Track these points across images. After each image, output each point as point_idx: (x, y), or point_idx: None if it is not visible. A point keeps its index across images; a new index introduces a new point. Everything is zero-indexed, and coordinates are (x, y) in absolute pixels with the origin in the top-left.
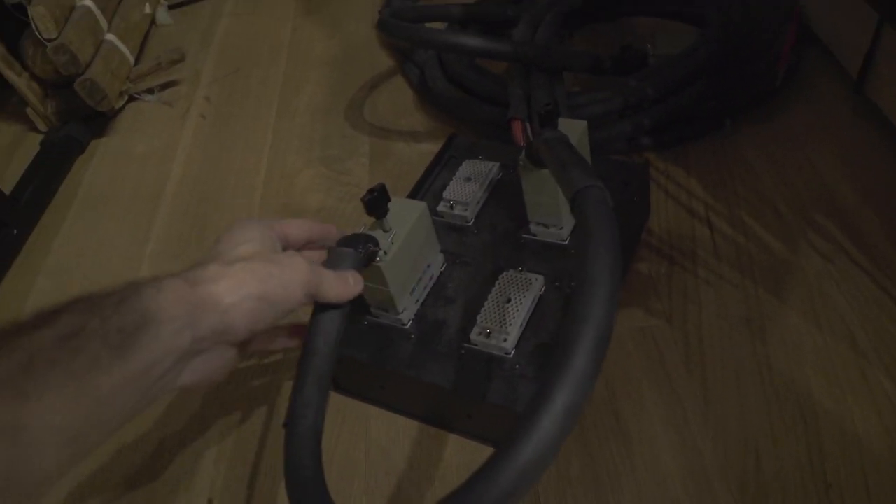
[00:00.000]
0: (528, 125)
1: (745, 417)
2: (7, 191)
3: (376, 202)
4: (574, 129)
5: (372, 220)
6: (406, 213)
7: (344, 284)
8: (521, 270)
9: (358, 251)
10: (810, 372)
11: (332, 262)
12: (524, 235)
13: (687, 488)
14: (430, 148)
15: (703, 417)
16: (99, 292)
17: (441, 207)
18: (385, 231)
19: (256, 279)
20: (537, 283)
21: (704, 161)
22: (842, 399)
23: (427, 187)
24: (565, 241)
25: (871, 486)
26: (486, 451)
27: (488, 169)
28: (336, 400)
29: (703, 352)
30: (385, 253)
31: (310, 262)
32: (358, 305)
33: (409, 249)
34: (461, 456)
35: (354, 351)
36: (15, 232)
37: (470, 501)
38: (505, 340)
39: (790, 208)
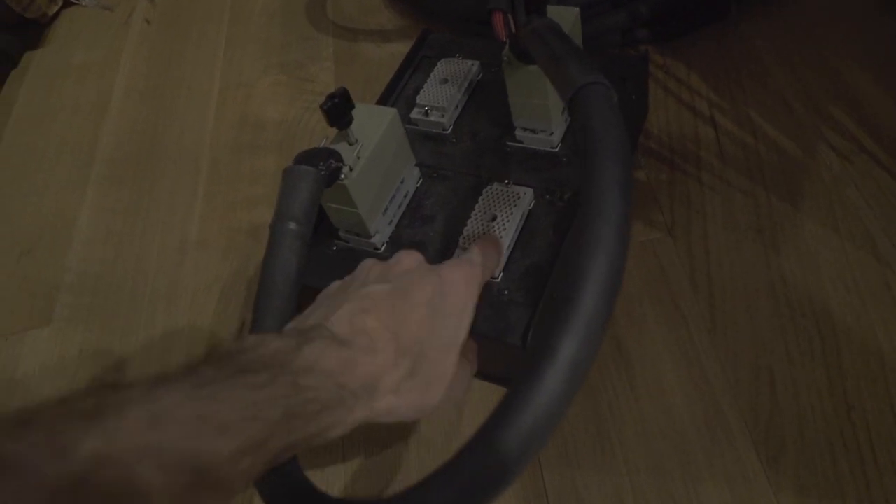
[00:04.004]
0: (510, 16)
1: (757, 337)
2: None
3: (338, 110)
4: (564, 18)
5: (335, 131)
6: (373, 122)
7: (497, 255)
8: (507, 183)
9: (318, 169)
10: (828, 284)
11: (289, 184)
12: (509, 143)
13: (694, 416)
14: (402, 48)
15: (711, 338)
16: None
17: (415, 114)
18: (350, 144)
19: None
20: (526, 196)
21: (708, 54)
22: (863, 312)
23: (399, 92)
24: (556, 147)
25: None
26: (480, 387)
27: (467, 68)
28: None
29: (710, 266)
30: (350, 169)
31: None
32: (325, 229)
33: (379, 163)
34: None
35: (321, 281)
36: None
37: (463, 476)
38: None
39: (803, 104)
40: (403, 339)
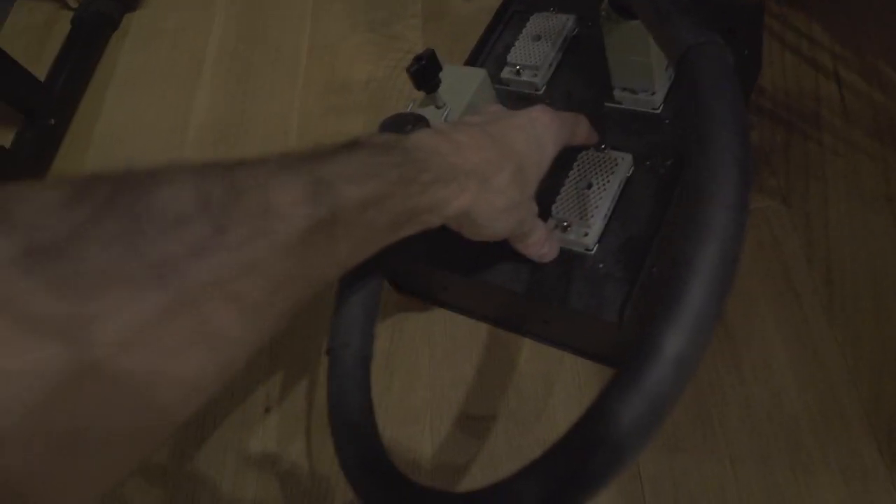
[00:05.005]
0: None
1: (882, 319)
2: (42, 77)
3: (425, 72)
4: None
5: (422, 94)
6: (462, 84)
7: (588, 127)
8: (603, 148)
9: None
10: None
11: None
12: (607, 104)
13: (807, 403)
14: (492, 2)
15: (828, 319)
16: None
17: (506, 74)
18: (438, 107)
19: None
20: (624, 162)
21: None
22: None
23: (488, 50)
24: (658, 109)
25: None
26: (565, 359)
27: (562, 24)
28: (394, 300)
29: (829, 238)
30: None
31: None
32: None
33: None
34: (536, 363)
35: (410, 251)
36: (52, 122)
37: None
38: (586, 235)
39: None
40: (505, 146)
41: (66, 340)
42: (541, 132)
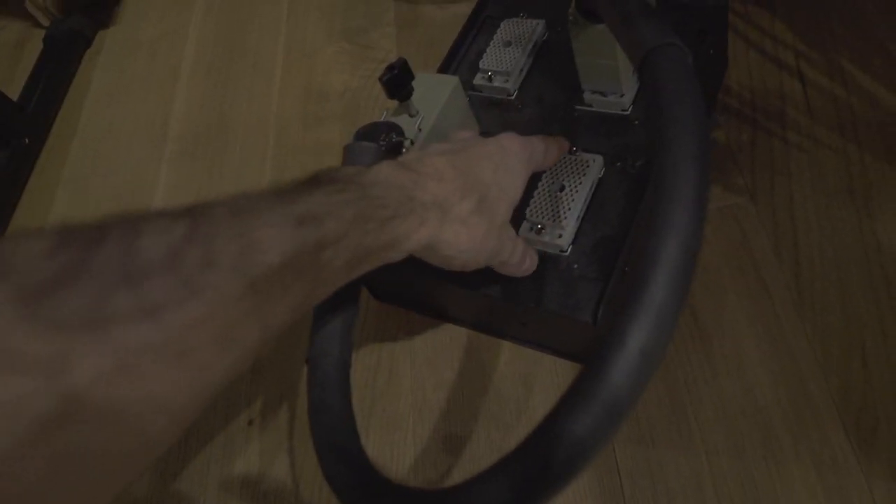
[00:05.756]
0: None
1: (849, 310)
2: (15, 97)
3: (397, 82)
4: None
5: (396, 103)
6: (435, 92)
7: (559, 150)
8: (574, 151)
9: (379, 144)
10: None
11: (350, 162)
12: (577, 107)
13: (778, 397)
14: (465, 9)
15: (797, 312)
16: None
17: (478, 80)
18: (411, 116)
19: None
20: (595, 164)
21: None
22: None
23: (461, 57)
24: (627, 110)
25: None
26: (544, 360)
27: (532, 29)
28: (374, 308)
29: (796, 231)
30: (412, 142)
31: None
32: None
33: (441, 135)
34: (516, 365)
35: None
36: (27, 141)
37: (524, 470)
38: (560, 236)
39: None
40: (469, 177)
41: (48, 375)
42: (510, 160)
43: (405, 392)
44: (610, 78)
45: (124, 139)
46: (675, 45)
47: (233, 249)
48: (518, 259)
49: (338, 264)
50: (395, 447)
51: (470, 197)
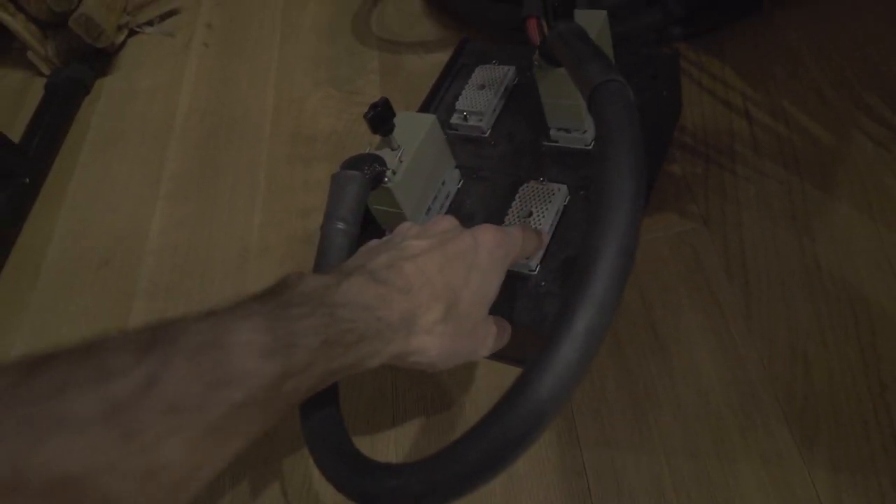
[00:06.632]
0: (543, 22)
1: (792, 322)
2: (17, 139)
3: (380, 118)
4: (593, 21)
5: (379, 139)
6: (414, 128)
7: (536, 241)
8: (542, 181)
9: (364, 173)
10: (863, 267)
11: (337, 188)
12: (545, 143)
13: (730, 401)
14: (443, 58)
15: (747, 325)
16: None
17: (455, 119)
18: (393, 149)
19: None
20: (560, 193)
21: (741, 48)
22: None
23: (439, 99)
24: (589, 145)
25: None
26: (516, 373)
27: (503, 74)
28: None
29: (745, 254)
30: (394, 172)
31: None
32: (373, 232)
33: (420, 166)
34: (491, 378)
35: None
36: (27, 181)
37: (486, 441)
38: (528, 257)
39: (837, 92)
40: (438, 285)
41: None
42: (483, 260)
43: (387, 406)
44: (573, 116)
45: (121, 180)
46: (618, 81)
47: (196, 391)
48: (498, 345)
49: (300, 392)
50: (377, 458)
51: (437, 306)
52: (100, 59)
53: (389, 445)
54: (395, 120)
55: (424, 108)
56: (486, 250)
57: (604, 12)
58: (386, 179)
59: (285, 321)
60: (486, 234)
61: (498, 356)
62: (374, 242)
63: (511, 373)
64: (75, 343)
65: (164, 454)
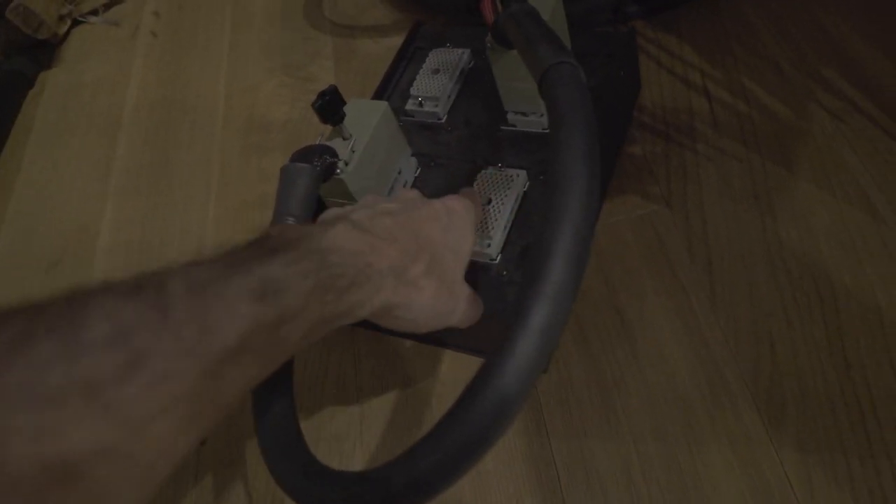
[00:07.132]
0: (497, 2)
1: (756, 301)
2: None
3: (329, 107)
4: (545, 2)
5: (330, 127)
6: (366, 116)
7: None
8: (500, 167)
9: (314, 165)
10: (825, 245)
11: (286, 181)
12: (502, 127)
13: (697, 382)
14: (399, 41)
15: (711, 305)
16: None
17: (410, 106)
18: (344, 139)
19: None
20: (519, 179)
21: (698, 25)
22: (860, 271)
23: (393, 85)
24: (547, 128)
25: (895, 361)
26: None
27: (458, 57)
28: None
29: (707, 234)
30: (346, 163)
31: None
32: None
33: (374, 156)
34: (457, 372)
35: None
36: None
37: (447, 440)
38: (489, 246)
39: (795, 67)
40: (420, 238)
41: None
42: (457, 222)
43: (352, 401)
44: (529, 99)
45: (69, 177)
46: (568, 63)
47: (189, 335)
48: (471, 315)
49: (295, 338)
50: (343, 456)
51: (422, 258)
52: (43, 51)
53: (356, 445)
54: (346, 108)
55: (378, 95)
56: (457, 214)
57: None
58: (338, 171)
59: (276, 265)
60: (453, 201)
61: (464, 348)
62: (334, 210)
63: (474, 364)
64: (57, 295)
65: (157, 401)
